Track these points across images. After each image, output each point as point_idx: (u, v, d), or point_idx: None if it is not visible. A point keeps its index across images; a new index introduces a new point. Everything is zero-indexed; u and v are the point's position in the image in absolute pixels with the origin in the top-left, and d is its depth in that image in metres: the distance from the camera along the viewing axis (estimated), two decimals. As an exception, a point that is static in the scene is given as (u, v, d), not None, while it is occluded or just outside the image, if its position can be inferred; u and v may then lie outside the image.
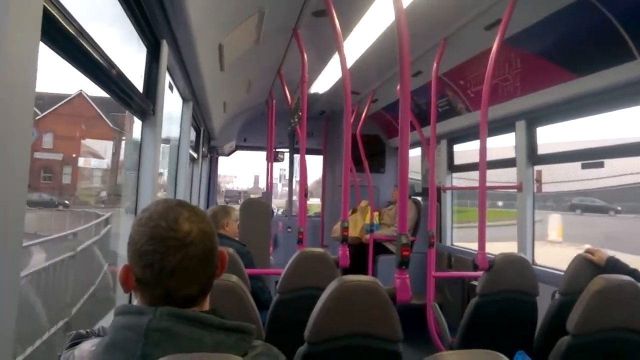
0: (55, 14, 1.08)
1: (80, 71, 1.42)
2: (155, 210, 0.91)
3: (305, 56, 3.45)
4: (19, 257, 0.88)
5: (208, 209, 4.38)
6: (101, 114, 10.06)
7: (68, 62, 1.30)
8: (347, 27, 3.19)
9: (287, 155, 6.69)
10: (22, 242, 0.88)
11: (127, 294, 1.51)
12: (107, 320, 1.25)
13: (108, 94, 1.72)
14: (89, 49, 1.34)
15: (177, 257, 0.87)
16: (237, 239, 3.24)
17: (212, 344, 0.84)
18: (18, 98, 0.83)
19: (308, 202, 4.83)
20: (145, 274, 0.88)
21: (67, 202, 9.21)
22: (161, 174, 3.51)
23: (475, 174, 3.27)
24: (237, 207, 4.07)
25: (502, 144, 4.06)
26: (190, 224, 0.90)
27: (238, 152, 7.35)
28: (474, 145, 3.18)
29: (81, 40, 1.27)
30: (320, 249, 2.64)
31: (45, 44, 1.10)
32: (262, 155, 6.81)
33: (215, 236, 0.95)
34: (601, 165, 3.08)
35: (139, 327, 0.83)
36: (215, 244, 0.94)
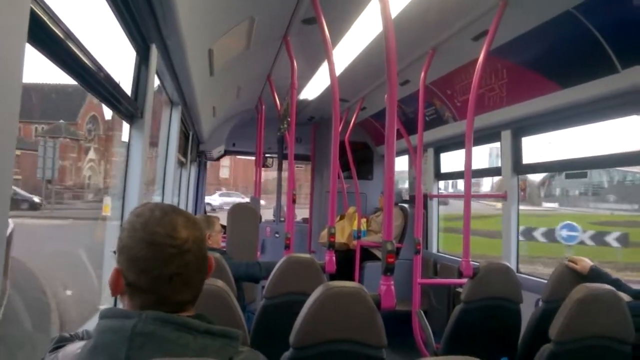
0: (42, 16, 1.07)
1: (68, 73, 1.41)
2: (151, 215, 0.91)
3: (295, 63, 3.46)
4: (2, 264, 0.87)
5: None
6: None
7: (55, 64, 1.29)
8: (337, 35, 3.21)
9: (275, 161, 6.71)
10: (5, 248, 0.87)
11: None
12: (91, 324, 1.24)
13: (95, 96, 1.72)
14: (76, 51, 1.34)
15: (175, 264, 0.88)
16: (223, 249, 3.22)
17: (198, 349, 0.84)
18: (3, 100, 0.82)
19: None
20: (140, 279, 0.88)
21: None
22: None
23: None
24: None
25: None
26: (187, 231, 0.90)
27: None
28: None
29: (69, 43, 1.27)
30: (307, 255, 2.64)
31: (32, 45, 1.10)
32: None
33: (205, 242, 0.97)
34: (584, 175, 3.14)
35: (124, 330, 0.83)
36: (206, 249, 0.96)
